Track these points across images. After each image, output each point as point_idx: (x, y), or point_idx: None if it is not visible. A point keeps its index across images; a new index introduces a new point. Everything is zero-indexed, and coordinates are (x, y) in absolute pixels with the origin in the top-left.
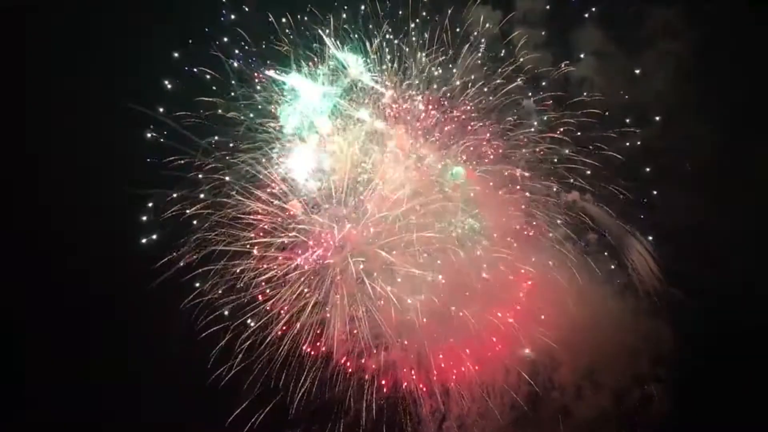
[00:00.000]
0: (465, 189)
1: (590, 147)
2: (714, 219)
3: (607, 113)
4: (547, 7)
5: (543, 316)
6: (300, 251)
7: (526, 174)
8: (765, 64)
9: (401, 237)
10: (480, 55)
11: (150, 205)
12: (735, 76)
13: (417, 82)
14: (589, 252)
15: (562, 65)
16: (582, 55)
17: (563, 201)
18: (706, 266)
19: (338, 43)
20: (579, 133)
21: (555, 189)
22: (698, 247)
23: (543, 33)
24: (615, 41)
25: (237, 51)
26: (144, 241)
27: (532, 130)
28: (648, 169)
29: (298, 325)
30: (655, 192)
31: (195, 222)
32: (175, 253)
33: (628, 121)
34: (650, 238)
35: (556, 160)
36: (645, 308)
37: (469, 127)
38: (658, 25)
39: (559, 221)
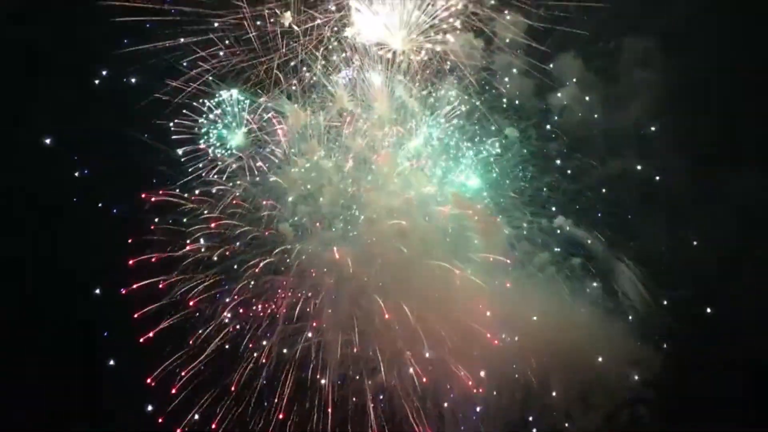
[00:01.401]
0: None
1: (569, 174)
2: (698, 245)
3: (585, 141)
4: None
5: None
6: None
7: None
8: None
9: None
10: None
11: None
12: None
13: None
14: (574, 277)
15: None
16: (557, 83)
17: (551, 227)
18: (693, 291)
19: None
20: (560, 162)
21: (540, 215)
22: (685, 272)
23: (524, 62)
24: (594, 70)
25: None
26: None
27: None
28: (628, 197)
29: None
30: (636, 219)
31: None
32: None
33: (605, 149)
34: (637, 263)
35: (539, 187)
36: (633, 332)
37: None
38: (635, 56)
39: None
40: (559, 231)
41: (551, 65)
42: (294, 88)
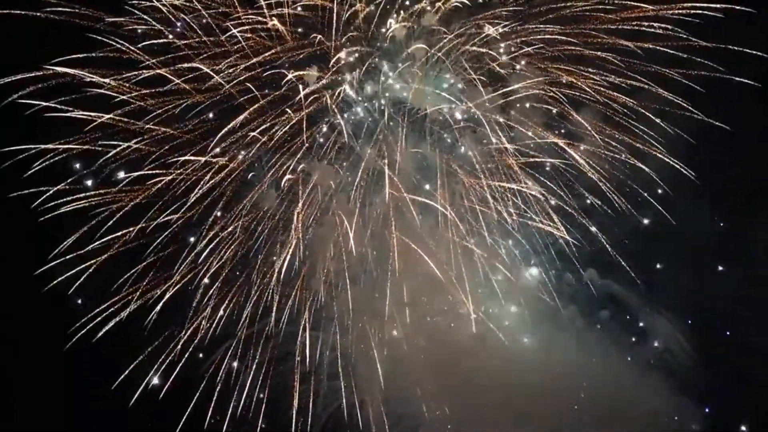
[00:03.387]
0: None
1: (595, 228)
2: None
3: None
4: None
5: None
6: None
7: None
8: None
9: None
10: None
11: None
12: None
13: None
14: (606, 329)
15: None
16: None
17: (581, 281)
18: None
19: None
20: (584, 220)
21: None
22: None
23: (541, 120)
24: (614, 126)
25: None
26: None
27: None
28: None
29: None
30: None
31: None
32: None
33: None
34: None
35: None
36: (672, 385)
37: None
38: (656, 110)
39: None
40: (589, 285)
41: (570, 122)
42: (323, 149)
